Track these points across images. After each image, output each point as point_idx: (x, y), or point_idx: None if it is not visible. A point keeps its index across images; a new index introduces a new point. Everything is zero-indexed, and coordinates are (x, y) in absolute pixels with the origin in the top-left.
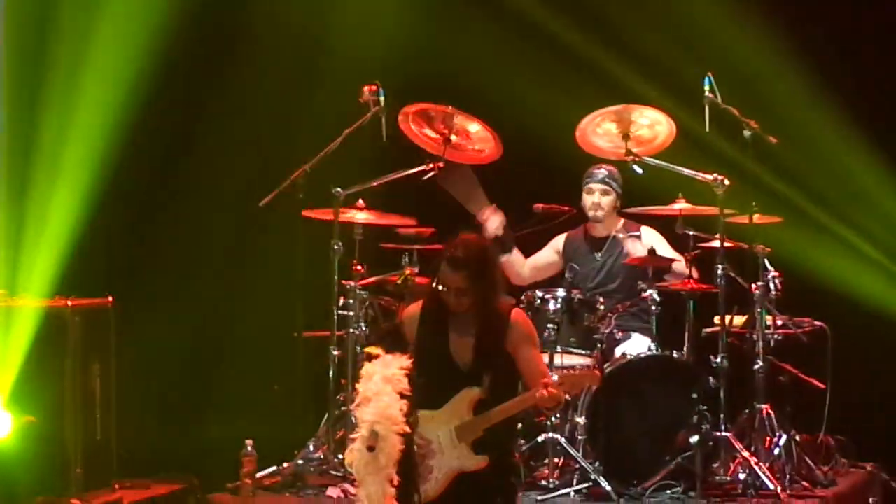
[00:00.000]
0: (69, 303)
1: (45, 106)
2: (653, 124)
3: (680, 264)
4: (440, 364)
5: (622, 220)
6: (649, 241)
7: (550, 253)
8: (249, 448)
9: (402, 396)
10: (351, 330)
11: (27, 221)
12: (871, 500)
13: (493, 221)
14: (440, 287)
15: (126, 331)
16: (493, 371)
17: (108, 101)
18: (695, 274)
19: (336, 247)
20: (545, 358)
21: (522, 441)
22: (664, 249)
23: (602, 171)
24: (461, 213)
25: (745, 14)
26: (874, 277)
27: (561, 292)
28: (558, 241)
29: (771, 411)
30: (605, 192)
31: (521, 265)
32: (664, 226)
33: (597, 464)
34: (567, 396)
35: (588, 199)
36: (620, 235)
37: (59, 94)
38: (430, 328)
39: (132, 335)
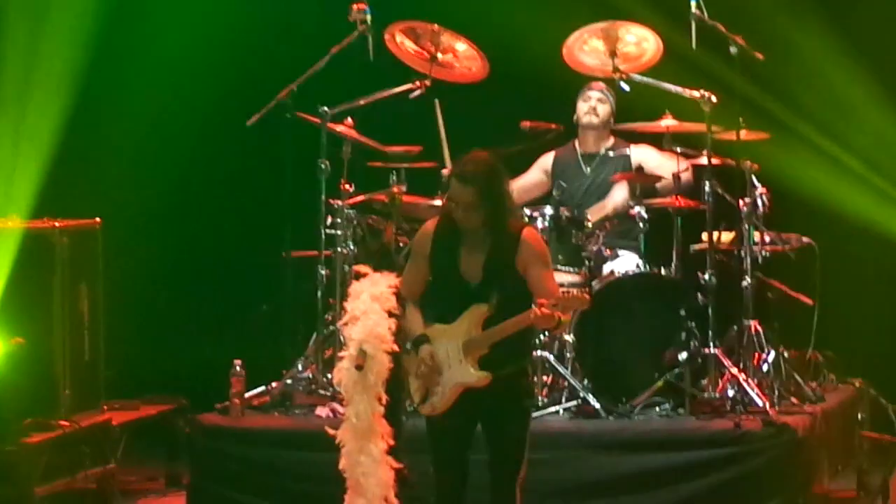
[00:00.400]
0: (56, 224)
1: (14, 18)
2: (639, 41)
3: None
4: (451, 280)
5: (613, 139)
6: (641, 156)
7: (538, 173)
8: (238, 368)
9: (391, 315)
10: (339, 249)
11: (15, 141)
12: (859, 416)
13: None
14: (450, 203)
15: (114, 252)
16: (502, 289)
17: (85, 12)
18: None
19: (323, 166)
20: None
21: None
22: (659, 161)
23: (601, 84)
24: (449, 135)
25: None
26: (861, 193)
27: (548, 210)
28: (546, 160)
29: (759, 328)
30: (601, 101)
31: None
32: (652, 142)
33: (585, 381)
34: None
35: (584, 106)
36: (611, 153)
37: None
38: (442, 245)
39: (121, 256)
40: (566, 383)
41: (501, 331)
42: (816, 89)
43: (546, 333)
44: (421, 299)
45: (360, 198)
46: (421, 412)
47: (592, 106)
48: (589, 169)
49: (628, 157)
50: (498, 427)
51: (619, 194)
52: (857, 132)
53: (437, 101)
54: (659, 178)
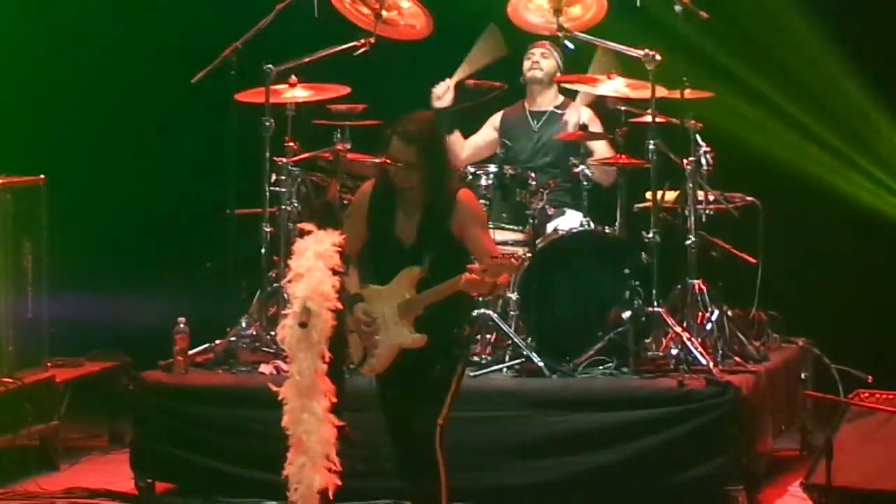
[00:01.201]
0: (0, 181)
1: None
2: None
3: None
4: (386, 241)
5: (562, 98)
6: (585, 118)
7: (489, 131)
8: (182, 325)
9: (335, 272)
10: (283, 206)
11: None
12: (802, 375)
13: (447, 98)
14: (389, 162)
15: (58, 209)
16: (436, 251)
17: None
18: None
19: (267, 123)
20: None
21: None
22: (597, 129)
23: (545, 42)
24: (393, 93)
25: None
26: (805, 151)
27: (492, 168)
28: (495, 119)
29: (703, 286)
30: (543, 55)
31: (461, 146)
32: (595, 103)
33: (529, 340)
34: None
35: (527, 63)
36: (559, 111)
37: None
38: (378, 206)
39: (64, 213)
40: (510, 341)
41: (434, 294)
42: (759, 47)
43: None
44: (358, 259)
45: (305, 155)
46: (361, 373)
47: (535, 61)
48: (537, 125)
49: (576, 115)
50: (422, 370)
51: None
52: (803, 90)
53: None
54: (602, 137)
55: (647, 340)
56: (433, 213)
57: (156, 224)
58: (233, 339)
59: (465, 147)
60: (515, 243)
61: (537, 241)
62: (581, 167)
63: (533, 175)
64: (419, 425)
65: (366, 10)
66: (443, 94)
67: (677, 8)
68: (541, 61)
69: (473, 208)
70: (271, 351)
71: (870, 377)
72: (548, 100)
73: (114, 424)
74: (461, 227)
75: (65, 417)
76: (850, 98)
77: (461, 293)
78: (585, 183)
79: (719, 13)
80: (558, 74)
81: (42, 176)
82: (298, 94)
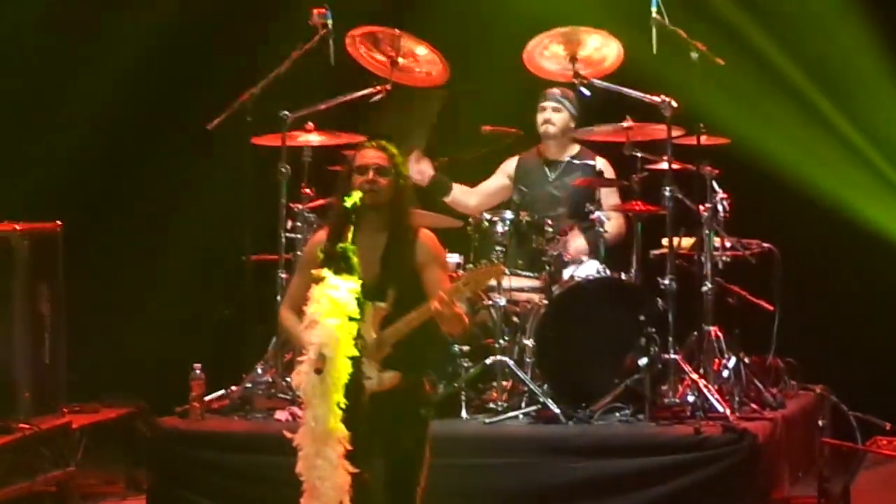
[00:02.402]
0: (17, 227)
1: None
2: (600, 46)
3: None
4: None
5: (579, 147)
6: (605, 167)
7: (501, 178)
8: (198, 371)
9: (350, 319)
10: (299, 253)
11: None
12: (819, 422)
13: (424, 169)
14: (358, 167)
15: (75, 255)
16: (399, 286)
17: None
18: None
19: (284, 169)
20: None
21: (469, 363)
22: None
23: (555, 91)
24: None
25: None
26: (822, 198)
27: (508, 214)
28: (509, 165)
29: (719, 333)
30: (556, 110)
31: (467, 196)
32: (613, 148)
33: (545, 386)
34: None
35: (540, 117)
36: (576, 161)
37: None
38: (334, 245)
39: (81, 259)
40: (526, 388)
41: (404, 325)
42: (776, 94)
43: (506, 338)
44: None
45: (321, 202)
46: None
47: (547, 118)
48: (553, 175)
49: (593, 166)
50: (393, 437)
51: (578, 242)
52: (818, 139)
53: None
54: (619, 184)
55: (664, 387)
56: (396, 247)
57: (172, 270)
58: (249, 385)
59: (475, 194)
60: (531, 290)
61: (553, 288)
62: (598, 213)
63: (549, 222)
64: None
65: (381, 58)
66: (418, 170)
67: (694, 55)
68: (552, 116)
69: (435, 249)
70: (287, 397)
71: (888, 424)
72: (563, 150)
73: (130, 470)
74: (422, 266)
75: (81, 463)
76: (871, 139)
77: (428, 331)
78: (602, 230)
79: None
80: (572, 125)
81: (59, 222)
82: (312, 138)
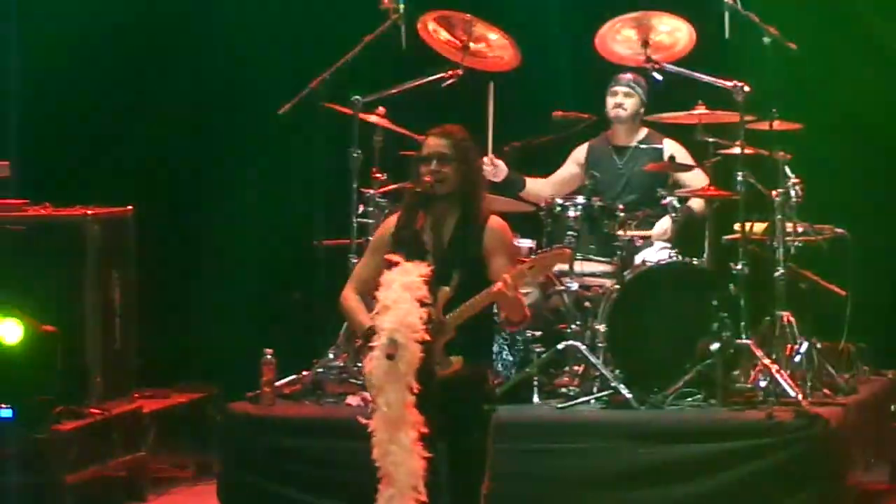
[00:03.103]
0: (88, 212)
1: None
2: (672, 31)
3: (696, 177)
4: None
5: (646, 130)
6: (674, 149)
7: (572, 166)
8: (269, 356)
9: (422, 304)
10: (370, 238)
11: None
12: (892, 408)
13: (498, 170)
14: (422, 157)
15: (147, 239)
16: (463, 270)
17: None
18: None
19: (355, 154)
20: (564, 265)
21: (541, 348)
22: (686, 159)
23: (628, 76)
24: (478, 122)
25: None
26: (894, 182)
27: (580, 199)
28: (580, 152)
29: (792, 319)
30: (627, 94)
31: (541, 187)
32: (684, 133)
33: (617, 371)
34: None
35: (611, 101)
36: (643, 146)
37: None
38: (405, 229)
39: (153, 244)
40: (598, 373)
41: (468, 308)
42: (848, 80)
43: (578, 323)
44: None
45: (392, 186)
46: None
47: (618, 102)
48: (622, 161)
49: (661, 150)
50: (455, 436)
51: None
52: (890, 121)
53: (491, 83)
54: (690, 168)
55: (736, 372)
56: (464, 231)
57: (244, 254)
58: (320, 370)
59: (548, 185)
60: (603, 275)
61: (625, 273)
62: (669, 198)
63: (621, 206)
64: (467, 497)
65: (454, 42)
66: (493, 170)
67: (766, 39)
68: (624, 102)
69: (506, 236)
70: (358, 382)
71: None
72: (632, 135)
73: (201, 456)
74: (490, 252)
75: (152, 448)
76: None
77: (484, 326)
78: (674, 214)
79: (808, 45)
80: (642, 110)
81: (130, 207)
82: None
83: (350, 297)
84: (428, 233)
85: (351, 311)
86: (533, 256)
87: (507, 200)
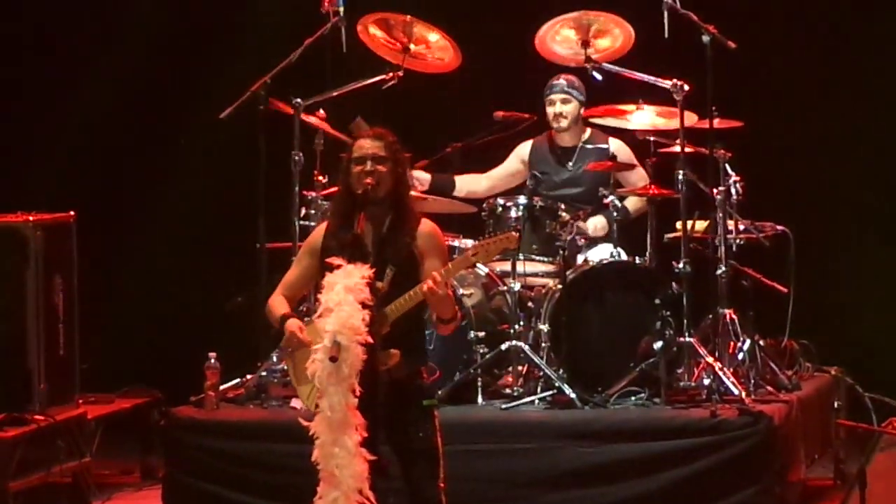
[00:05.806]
0: (30, 218)
1: None
2: (611, 30)
3: (638, 174)
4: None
5: (590, 130)
6: (618, 148)
7: (515, 162)
8: (213, 360)
9: (364, 306)
10: None
11: None
12: (835, 404)
13: (422, 181)
14: (355, 158)
15: (88, 245)
16: (396, 267)
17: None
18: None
19: (297, 157)
20: (507, 265)
21: (484, 349)
22: (628, 159)
23: (561, 82)
24: (422, 125)
25: None
26: (835, 180)
27: (522, 199)
28: (523, 149)
29: (734, 316)
30: (565, 101)
31: (476, 182)
32: (625, 131)
33: (560, 371)
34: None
35: (550, 111)
36: (589, 146)
37: None
38: (345, 232)
39: (94, 249)
40: (541, 373)
41: (403, 302)
42: (789, 76)
43: (521, 324)
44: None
45: (334, 189)
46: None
47: (557, 112)
48: (566, 161)
49: (606, 149)
50: (400, 437)
51: (598, 220)
52: (831, 119)
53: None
54: (633, 167)
55: (679, 371)
56: (398, 227)
57: (186, 258)
58: (264, 373)
59: (486, 178)
60: (546, 275)
61: (568, 273)
62: (611, 197)
63: (563, 206)
64: (425, 495)
65: (393, 43)
66: (417, 183)
67: (705, 38)
68: (563, 109)
69: (438, 239)
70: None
71: None
72: (576, 135)
73: (146, 461)
74: (423, 255)
75: (97, 454)
76: (881, 118)
77: (423, 320)
78: (615, 214)
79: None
80: (582, 110)
81: (72, 212)
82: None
83: (273, 300)
84: (368, 235)
85: (271, 307)
86: (475, 243)
87: (449, 202)
